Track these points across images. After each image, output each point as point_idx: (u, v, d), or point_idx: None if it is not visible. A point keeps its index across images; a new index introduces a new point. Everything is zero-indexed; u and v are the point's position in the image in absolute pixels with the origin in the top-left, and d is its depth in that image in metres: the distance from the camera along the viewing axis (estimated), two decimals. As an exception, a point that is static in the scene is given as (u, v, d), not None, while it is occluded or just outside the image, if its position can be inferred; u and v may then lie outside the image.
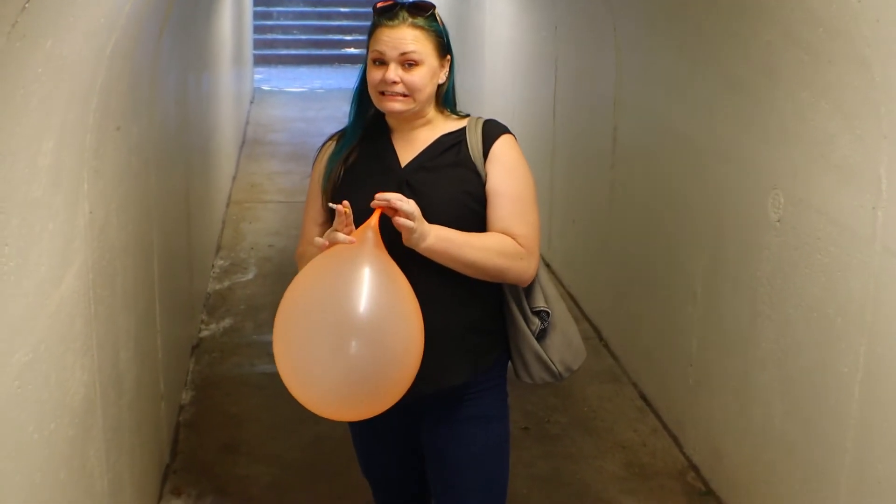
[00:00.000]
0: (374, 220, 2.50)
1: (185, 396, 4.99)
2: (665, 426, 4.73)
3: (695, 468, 4.36)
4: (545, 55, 6.84)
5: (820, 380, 3.26)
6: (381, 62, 2.65)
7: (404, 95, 2.64)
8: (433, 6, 2.71)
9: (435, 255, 2.58)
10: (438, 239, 2.57)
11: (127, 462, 3.35)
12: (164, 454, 4.27)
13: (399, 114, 2.69)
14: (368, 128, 2.80)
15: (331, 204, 2.63)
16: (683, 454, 4.48)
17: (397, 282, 2.48)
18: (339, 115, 12.08)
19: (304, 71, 16.24)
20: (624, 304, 5.39)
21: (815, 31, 3.07)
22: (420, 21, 2.65)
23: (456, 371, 2.74)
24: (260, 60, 15.73)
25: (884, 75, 2.77)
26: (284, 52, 17.06)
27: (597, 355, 5.48)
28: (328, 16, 17.99)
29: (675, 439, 4.59)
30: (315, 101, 13.70)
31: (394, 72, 2.63)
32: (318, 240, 2.55)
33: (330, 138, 2.89)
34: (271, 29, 17.46)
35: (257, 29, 15.80)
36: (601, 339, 5.71)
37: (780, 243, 3.51)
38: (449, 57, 2.74)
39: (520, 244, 2.67)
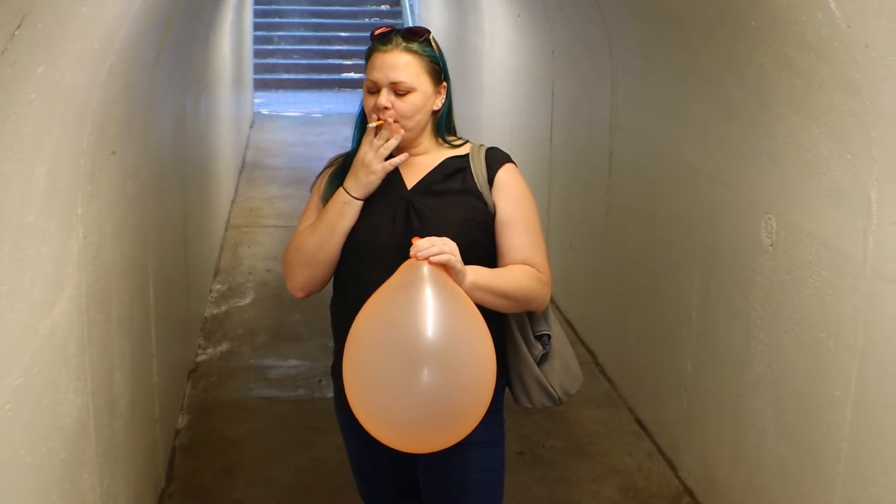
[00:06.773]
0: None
1: (182, 421, 4.98)
2: (660, 450, 4.73)
3: (690, 492, 4.35)
4: (543, 79, 6.87)
5: (813, 403, 3.27)
6: (376, 89, 2.65)
7: (395, 122, 2.62)
8: (428, 31, 2.69)
9: (476, 290, 2.54)
10: (478, 277, 2.54)
11: (121, 485, 3.35)
12: (160, 478, 4.27)
13: None
14: None
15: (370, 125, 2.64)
16: (678, 478, 4.47)
17: (461, 303, 2.41)
18: (338, 139, 12.10)
19: (304, 95, 16.30)
20: (620, 329, 5.39)
21: (806, 55, 3.09)
22: (414, 46, 2.64)
23: None
24: (260, 85, 15.79)
25: (873, 100, 2.78)
26: (285, 76, 17.12)
27: (593, 380, 5.47)
28: (328, 40, 18.06)
29: (670, 463, 4.59)
30: (314, 125, 13.74)
31: (385, 97, 2.61)
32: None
33: (333, 160, 2.88)
34: (272, 53, 17.53)
35: (258, 53, 15.86)
36: (597, 363, 5.71)
37: (773, 267, 3.52)
38: (445, 84, 2.73)
39: (539, 272, 2.68)
